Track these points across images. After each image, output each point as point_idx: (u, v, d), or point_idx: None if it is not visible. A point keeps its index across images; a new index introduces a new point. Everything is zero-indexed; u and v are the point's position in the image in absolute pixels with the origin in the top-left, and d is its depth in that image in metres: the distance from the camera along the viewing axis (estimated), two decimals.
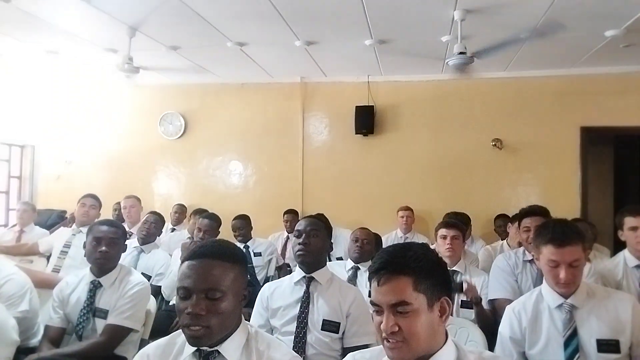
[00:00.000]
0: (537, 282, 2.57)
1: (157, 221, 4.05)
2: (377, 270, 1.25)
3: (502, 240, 4.33)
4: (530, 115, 5.53)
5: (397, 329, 1.19)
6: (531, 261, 2.77)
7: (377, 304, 1.24)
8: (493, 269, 2.93)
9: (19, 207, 5.04)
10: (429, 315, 1.22)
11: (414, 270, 1.22)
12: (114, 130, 6.39)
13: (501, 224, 4.93)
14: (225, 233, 4.20)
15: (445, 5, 3.70)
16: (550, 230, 1.95)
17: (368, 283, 3.02)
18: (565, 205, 5.01)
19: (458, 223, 3.16)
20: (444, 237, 2.96)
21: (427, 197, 5.64)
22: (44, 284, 2.74)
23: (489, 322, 2.59)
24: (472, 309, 2.72)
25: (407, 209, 5.39)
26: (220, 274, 1.37)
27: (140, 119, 6.32)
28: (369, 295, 2.77)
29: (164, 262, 3.78)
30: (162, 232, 4.21)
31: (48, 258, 3.96)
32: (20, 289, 2.40)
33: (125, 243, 2.62)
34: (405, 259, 1.24)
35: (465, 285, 2.71)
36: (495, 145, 5.56)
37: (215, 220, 3.84)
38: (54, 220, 5.66)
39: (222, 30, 4.31)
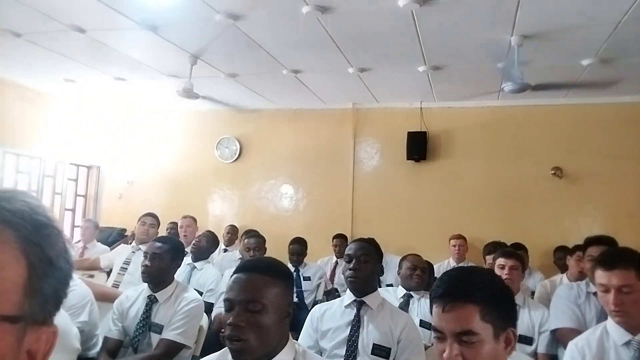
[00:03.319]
0: (602, 316, 2.42)
1: (209, 237, 4.16)
2: (442, 296, 1.19)
3: (561, 273, 4.12)
4: (593, 144, 5.31)
5: (460, 359, 1.14)
6: (595, 293, 2.62)
7: (440, 330, 1.18)
8: (555, 298, 2.79)
9: (83, 224, 5.33)
10: (495, 347, 1.15)
11: (482, 299, 1.16)
12: (173, 153, 6.68)
13: (561, 256, 4.70)
14: (274, 254, 4.25)
15: (502, 31, 3.66)
16: (602, 254, 1.86)
17: (419, 311, 2.99)
18: (631, 237, 4.71)
19: (517, 252, 3.03)
20: (502, 267, 2.83)
21: (480, 226, 5.48)
22: (104, 297, 2.86)
23: None
24: (530, 344, 2.60)
25: (460, 237, 5.25)
26: (262, 287, 1.38)
27: (198, 143, 6.57)
28: (420, 324, 2.73)
29: (215, 279, 3.87)
30: (215, 250, 4.32)
31: (108, 274, 4.14)
32: (81, 300, 2.51)
33: (177, 259, 2.68)
34: (472, 286, 1.18)
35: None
36: (554, 174, 5.35)
37: (261, 238, 3.95)
38: (114, 237, 5.93)
39: (278, 58, 4.45)
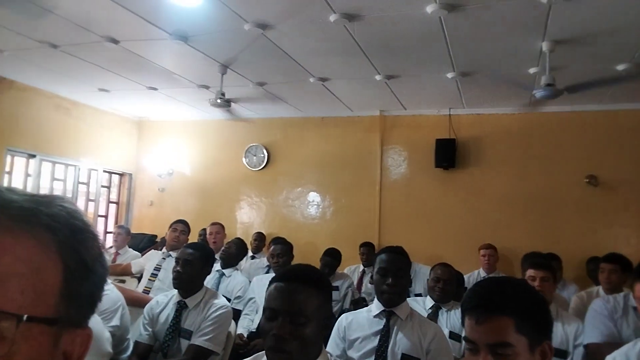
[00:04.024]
0: None
1: (238, 244, 4.19)
2: (476, 307, 1.16)
3: (595, 285, 3.98)
4: (629, 151, 5.14)
5: None
6: (635, 308, 2.51)
7: (473, 342, 1.15)
8: (589, 312, 2.69)
9: (115, 230, 5.46)
10: None
11: (517, 311, 1.13)
12: (202, 161, 6.78)
13: (593, 267, 4.53)
14: (300, 262, 4.25)
15: (532, 36, 3.59)
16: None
17: (449, 323, 2.94)
18: None
19: (548, 263, 2.94)
20: (533, 279, 2.75)
21: (512, 235, 5.36)
22: (135, 302, 2.91)
23: None
24: (564, 358, 2.51)
25: (489, 247, 5.12)
26: (306, 300, 1.38)
27: (226, 151, 6.66)
28: (450, 337, 2.67)
29: (243, 286, 3.89)
30: (243, 257, 4.35)
31: (139, 279, 4.22)
32: (113, 305, 2.56)
33: (208, 266, 2.71)
34: (507, 297, 1.15)
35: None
36: (589, 182, 5.20)
37: (287, 245, 3.97)
38: (145, 243, 6.04)
39: (306, 66, 4.48)
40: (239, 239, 4.34)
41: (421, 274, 4.60)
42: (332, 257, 4.56)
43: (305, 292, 1.39)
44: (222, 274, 3.99)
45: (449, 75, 4.51)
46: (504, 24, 3.41)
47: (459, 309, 2.28)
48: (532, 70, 4.24)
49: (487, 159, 5.64)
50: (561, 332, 2.64)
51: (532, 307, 1.15)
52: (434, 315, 3.09)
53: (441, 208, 5.71)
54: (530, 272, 2.78)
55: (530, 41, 3.68)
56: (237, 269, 4.13)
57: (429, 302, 3.20)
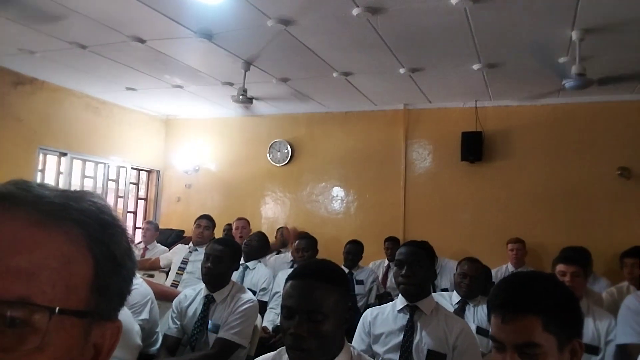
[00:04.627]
0: None
1: (260, 237, 4.23)
2: (501, 306, 1.13)
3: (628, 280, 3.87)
4: None
5: None
6: None
7: (499, 340, 1.13)
8: (622, 309, 2.60)
9: (144, 225, 5.57)
10: (559, 359, 1.09)
11: (545, 309, 1.10)
12: (228, 157, 6.85)
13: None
14: (325, 257, 4.26)
15: (561, 25, 3.50)
16: None
17: (476, 318, 2.90)
18: None
19: (579, 258, 2.87)
20: (563, 274, 2.68)
21: (540, 229, 5.25)
22: (164, 296, 2.97)
23: None
24: (596, 354, 2.45)
25: (518, 241, 5.04)
26: (322, 296, 1.37)
27: (251, 147, 6.70)
28: (477, 332, 2.64)
29: (267, 277, 3.94)
30: (268, 250, 4.39)
31: (167, 273, 4.30)
32: (142, 299, 2.62)
33: (236, 262, 2.75)
34: (534, 295, 1.12)
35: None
36: (621, 174, 5.04)
37: (311, 239, 3.98)
38: (173, 239, 6.15)
39: (329, 61, 4.47)
40: (260, 232, 4.38)
41: (447, 269, 4.55)
42: (355, 244, 4.57)
43: (321, 288, 1.38)
44: (247, 267, 4.03)
45: (475, 67, 4.43)
46: (531, 12, 3.32)
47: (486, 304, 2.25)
48: (561, 60, 4.13)
49: (514, 152, 5.53)
50: (592, 328, 2.58)
51: (560, 305, 1.12)
52: (460, 311, 3.05)
53: (468, 202, 5.63)
54: (560, 267, 2.71)
55: (559, 30, 3.58)
56: (260, 262, 4.17)
57: (456, 297, 3.16)
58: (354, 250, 4.52)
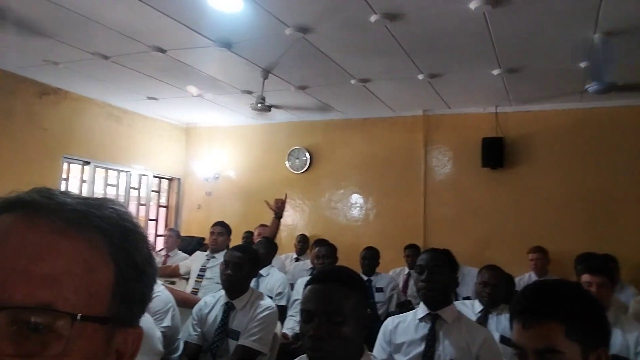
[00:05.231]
0: None
1: (264, 244, 4.21)
2: (523, 311, 1.12)
3: None
4: None
5: None
6: None
7: (520, 347, 1.11)
8: None
9: (166, 233, 5.63)
10: None
11: (567, 315, 1.07)
12: (247, 165, 6.89)
13: None
14: (344, 264, 4.24)
15: (583, 28, 3.44)
16: None
17: (499, 327, 2.84)
18: None
19: (605, 267, 2.77)
20: (589, 284, 2.59)
21: (564, 236, 5.13)
22: (185, 303, 2.99)
23: None
24: None
25: (538, 250, 4.90)
26: (341, 299, 1.38)
27: (270, 155, 6.74)
28: (501, 341, 2.58)
29: (282, 281, 3.94)
30: (274, 253, 4.39)
31: (187, 280, 4.33)
32: (164, 306, 2.64)
33: (255, 269, 2.76)
34: (556, 301, 1.10)
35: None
36: None
37: (330, 246, 3.97)
38: (194, 246, 6.20)
39: (347, 68, 4.47)
40: (264, 239, 4.39)
41: (469, 277, 4.47)
42: (370, 250, 4.54)
43: (339, 291, 1.39)
44: (260, 275, 4.02)
45: (495, 72, 4.38)
46: (551, 16, 3.28)
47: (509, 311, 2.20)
48: (583, 64, 4.06)
49: (536, 158, 5.44)
50: (620, 339, 2.50)
51: (584, 312, 1.09)
52: (483, 319, 2.99)
53: (489, 209, 5.55)
54: (585, 277, 2.62)
55: (580, 33, 3.52)
56: (273, 266, 4.17)
57: (478, 305, 3.10)
58: (369, 256, 4.48)
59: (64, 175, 5.69)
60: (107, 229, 0.55)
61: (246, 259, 2.65)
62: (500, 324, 2.93)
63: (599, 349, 1.09)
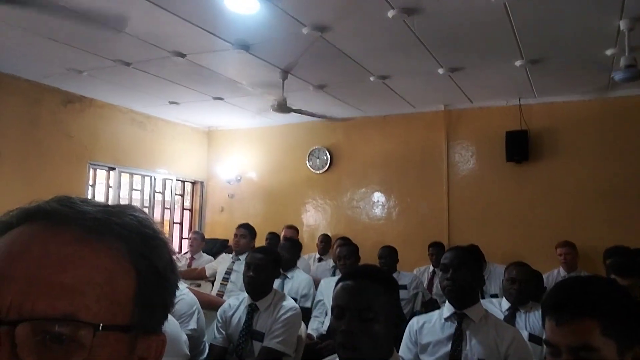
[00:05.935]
0: None
1: (287, 247, 4.23)
2: (557, 308, 1.08)
3: None
4: None
5: None
6: None
7: (554, 344, 1.08)
8: None
9: (191, 236, 5.69)
10: None
11: (603, 312, 1.04)
12: (268, 166, 6.92)
13: None
14: (365, 262, 4.22)
15: (608, 15, 3.34)
16: None
17: (528, 325, 2.77)
18: None
19: (634, 267, 2.64)
20: None
21: (593, 230, 4.99)
22: (210, 305, 3.01)
23: None
24: None
25: (567, 244, 4.77)
26: (373, 296, 1.38)
27: (290, 155, 6.75)
28: (529, 339, 2.52)
29: (307, 283, 3.93)
30: (299, 254, 4.40)
31: (212, 282, 4.37)
32: (189, 309, 2.66)
33: (277, 270, 2.76)
34: (591, 297, 1.06)
35: None
36: None
37: (352, 246, 3.97)
38: (218, 248, 6.25)
39: (366, 65, 4.44)
40: (287, 242, 4.40)
41: (496, 274, 4.39)
42: (387, 248, 4.49)
43: (371, 288, 1.39)
44: (285, 277, 4.03)
45: (517, 63, 4.29)
46: (575, 3, 3.19)
47: (539, 310, 2.14)
48: (609, 52, 3.94)
49: (563, 150, 5.31)
50: None
51: (621, 309, 1.06)
52: (511, 318, 2.93)
53: (515, 204, 5.45)
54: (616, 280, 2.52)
55: (606, 20, 3.42)
56: (298, 268, 4.17)
57: (505, 303, 3.03)
58: (386, 254, 4.43)
59: (90, 182, 5.80)
60: (128, 236, 0.55)
61: (268, 260, 2.67)
62: (528, 322, 2.87)
63: (636, 347, 1.05)
